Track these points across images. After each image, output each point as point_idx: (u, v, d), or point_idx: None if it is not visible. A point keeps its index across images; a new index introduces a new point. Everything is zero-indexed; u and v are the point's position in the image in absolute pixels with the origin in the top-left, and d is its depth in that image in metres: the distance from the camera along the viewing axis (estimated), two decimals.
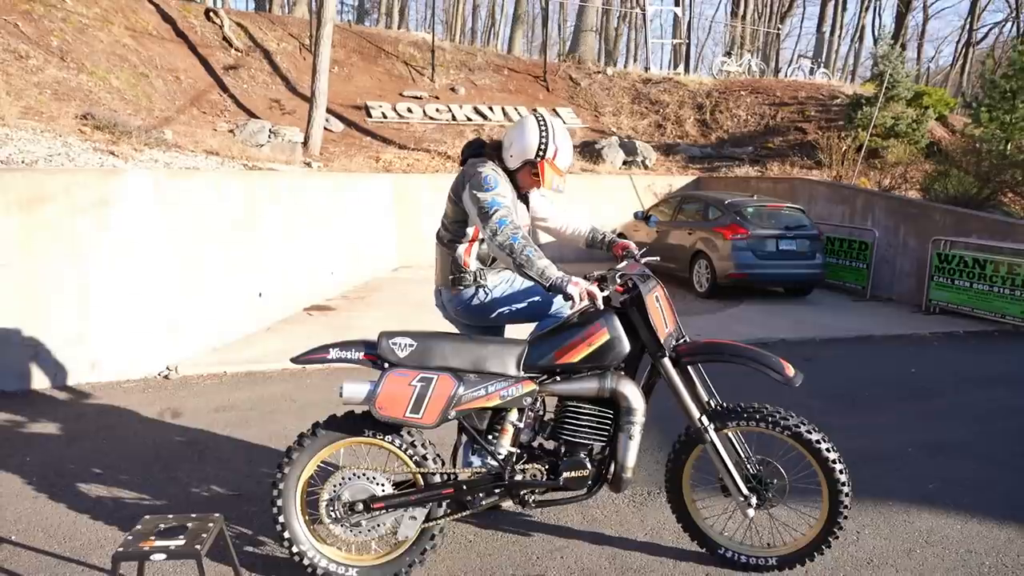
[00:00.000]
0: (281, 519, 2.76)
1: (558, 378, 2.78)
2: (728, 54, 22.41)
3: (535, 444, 2.87)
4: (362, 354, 2.76)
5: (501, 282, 3.19)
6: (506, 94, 18.49)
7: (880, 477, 4.12)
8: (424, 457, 2.76)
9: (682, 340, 2.94)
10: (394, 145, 14.77)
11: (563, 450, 2.81)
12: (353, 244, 10.63)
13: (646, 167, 15.15)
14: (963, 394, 5.94)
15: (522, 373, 2.76)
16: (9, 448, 4.31)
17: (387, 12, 33.71)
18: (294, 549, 2.77)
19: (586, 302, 2.67)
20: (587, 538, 3.29)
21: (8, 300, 5.37)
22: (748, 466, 2.91)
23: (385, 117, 16.14)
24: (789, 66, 22.93)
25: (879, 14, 42.51)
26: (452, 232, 3.17)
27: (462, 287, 3.15)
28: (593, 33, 21.81)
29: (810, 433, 2.77)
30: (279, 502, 2.75)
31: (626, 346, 2.74)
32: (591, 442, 2.78)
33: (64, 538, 3.23)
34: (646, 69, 20.55)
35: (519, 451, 2.84)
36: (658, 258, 3.41)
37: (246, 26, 16.14)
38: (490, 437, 2.83)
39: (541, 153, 3.04)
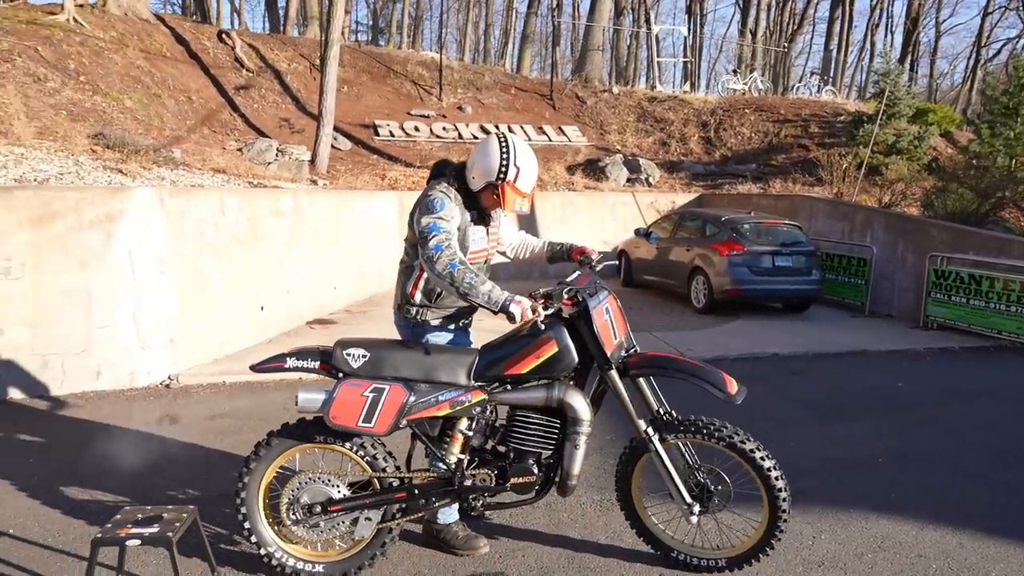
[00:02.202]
0: (247, 524, 2.93)
1: (509, 387, 2.91)
2: (734, 72, 22.62)
3: (488, 447, 3.01)
4: (318, 363, 2.91)
5: (438, 328, 3.17)
6: (513, 112, 18.78)
7: (847, 484, 4.24)
8: (375, 458, 2.91)
9: (632, 350, 3.08)
10: (400, 163, 15.05)
11: (512, 456, 2.94)
12: (357, 259, 10.86)
13: (650, 184, 15.33)
14: (945, 407, 6.03)
15: (472, 383, 2.89)
16: (15, 451, 4.53)
17: (399, 31, 34.29)
18: (262, 551, 2.94)
19: (529, 319, 2.76)
20: (549, 539, 3.44)
21: (19, 311, 5.62)
22: (696, 474, 3.03)
23: (392, 135, 16.45)
24: (800, 82, 23.00)
25: (891, 31, 42.62)
26: (409, 257, 3.17)
27: (407, 316, 3.18)
28: (600, 52, 22.10)
29: (744, 443, 2.91)
30: (243, 509, 2.92)
31: (574, 358, 2.87)
32: (539, 449, 2.92)
33: (57, 532, 3.44)
34: (652, 88, 20.79)
35: (470, 456, 2.98)
36: (617, 262, 3.54)
37: (258, 47, 16.56)
38: (442, 443, 2.95)
39: (502, 175, 2.98)
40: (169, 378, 6.16)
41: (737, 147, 16.97)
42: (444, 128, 17.25)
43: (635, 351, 3.08)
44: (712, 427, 2.94)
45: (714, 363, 7.20)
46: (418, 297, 3.12)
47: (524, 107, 19.13)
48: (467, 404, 2.85)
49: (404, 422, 2.81)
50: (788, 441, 4.97)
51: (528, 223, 13.71)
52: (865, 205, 12.12)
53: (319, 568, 2.96)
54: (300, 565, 2.95)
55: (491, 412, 3.01)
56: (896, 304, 10.40)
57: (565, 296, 2.89)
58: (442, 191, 3.08)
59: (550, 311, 2.84)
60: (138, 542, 2.40)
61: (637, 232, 12.18)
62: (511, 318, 2.73)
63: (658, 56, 23.26)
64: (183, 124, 11.73)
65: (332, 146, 14.67)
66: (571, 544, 3.41)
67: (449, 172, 3.16)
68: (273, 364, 2.95)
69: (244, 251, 7.53)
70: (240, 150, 11.52)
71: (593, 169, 15.65)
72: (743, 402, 6.26)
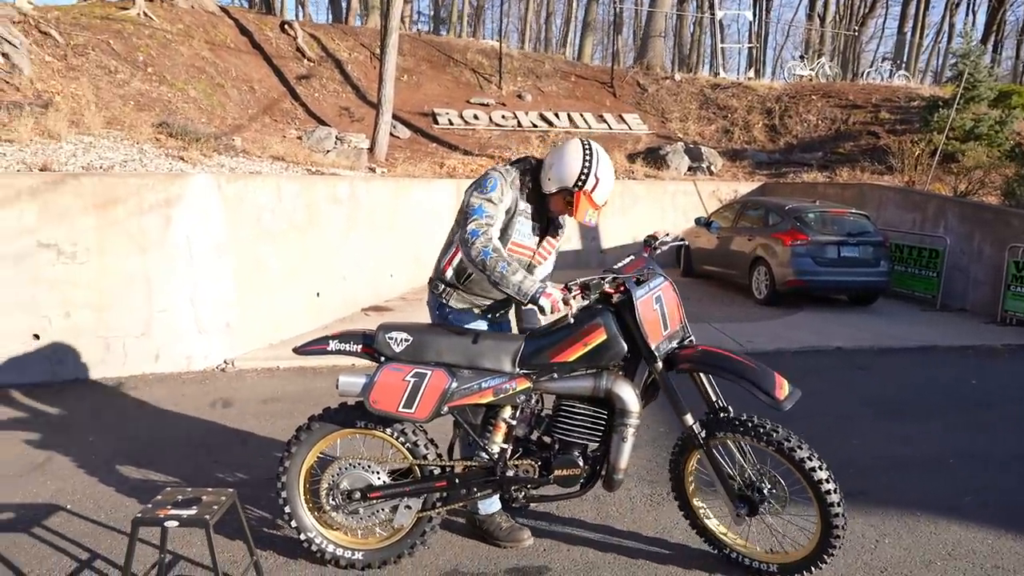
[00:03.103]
0: (287, 509, 2.92)
1: (555, 376, 2.82)
2: (801, 57, 21.81)
3: (532, 438, 2.92)
4: (360, 347, 2.88)
5: (461, 313, 3.09)
6: (573, 100, 18.57)
7: (913, 486, 4.00)
8: (416, 445, 2.86)
9: (687, 341, 2.93)
10: (459, 151, 15.04)
11: (557, 447, 2.84)
12: (414, 247, 10.90)
13: (711, 173, 14.94)
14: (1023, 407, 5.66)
15: (517, 370, 2.80)
16: (79, 430, 4.68)
17: (460, 21, 34.31)
18: (302, 536, 2.93)
19: (559, 313, 2.67)
20: (596, 533, 3.34)
21: (84, 294, 5.80)
22: (748, 475, 2.87)
23: (451, 124, 16.46)
24: (871, 67, 22.05)
25: (972, 11, 40.41)
26: (452, 232, 3.13)
27: (434, 292, 3.13)
28: (662, 39, 21.63)
29: (796, 450, 2.71)
30: (283, 494, 2.91)
31: (623, 347, 2.75)
32: (585, 441, 2.82)
33: (110, 509, 3.51)
34: (715, 74, 20.25)
35: (514, 446, 2.90)
36: (684, 240, 3.38)
37: (319, 37, 16.77)
38: (485, 432, 2.88)
39: (581, 183, 2.87)
40: (225, 362, 6.28)
41: (803, 135, 16.37)
42: (503, 116, 17.17)
43: (690, 342, 2.93)
44: (762, 429, 2.75)
45: (775, 356, 7.13)
46: (449, 274, 3.06)
47: (584, 95, 18.89)
48: (511, 392, 2.76)
49: (446, 409, 2.75)
50: (851, 438, 4.74)
51: None
52: (938, 194, 11.52)
53: (358, 555, 2.93)
54: (339, 552, 2.93)
55: (537, 401, 2.92)
56: (970, 298, 9.86)
57: (607, 285, 2.76)
58: (500, 172, 3.02)
59: (586, 302, 2.74)
60: (176, 523, 2.40)
61: (698, 221, 11.86)
62: (541, 310, 2.65)
63: (721, 42, 22.62)
64: (245, 113, 11.97)
65: (391, 134, 14.76)
66: (618, 538, 3.30)
67: (524, 164, 3.07)
68: (316, 347, 2.93)
69: (300, 237, 7.62)
70: (300, 138, 11.68)
71: (654, 158, 15.35)
72: (804, 397, 6.03)
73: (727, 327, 8.37)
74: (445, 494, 2.88)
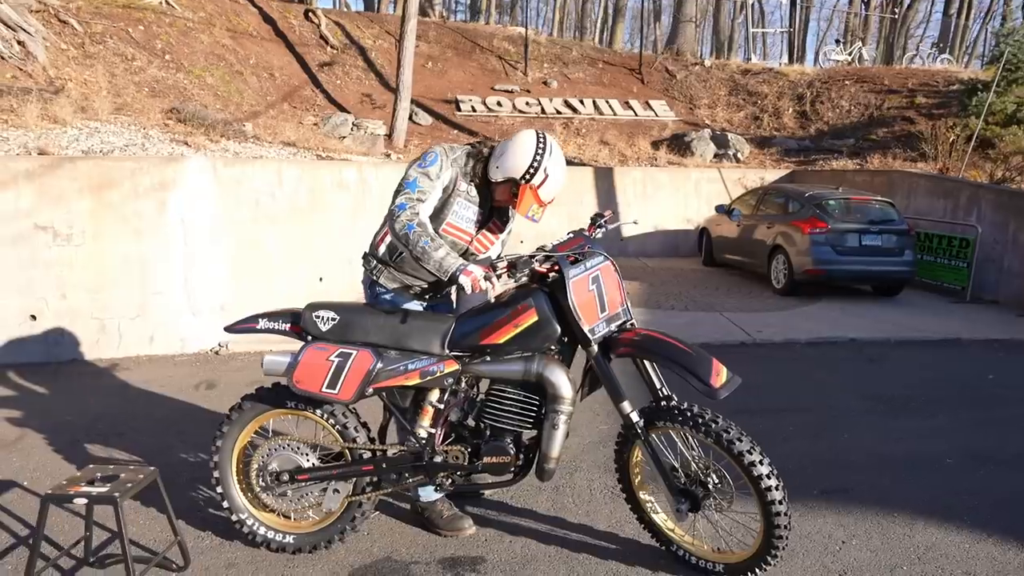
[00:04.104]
0: (219, 489, 2.86)
1: (488, 358, 2.70)
2: (837, 42, 21.09)
3: (466, 423, 2.80)
4: (288, 325, 2.81)
5: (389, 293, 2.99)
6: (599, 87, 18.29)
7: (899, 485, 3.78)
8: (345, 427, 2.77)
9: (628, 324, 2.77)
10: (480, 138, 14.93)
11: (488, 434, 2.73)
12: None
13: (738, 160, 14.57)
14: None
15: (447, 352, 2.69)
16: (57, 409, 4.72)
17: (496, 9, 34.12)
18: (234, 517, 2.87)
19: (481, 288, 2.56)
20: (545, 524, 3.22)
21: (80, 276, 5.87)
22: (694, 468, 2.68)
23: (474, 111, 16.35)
24: (914, 51, 21.21)
25: None
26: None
27: (366, 268, 3.04)
28: (693, 24, 21.15)
29: (734, 442, 2.52)
30: (216, 473, 2.86)
31: (556, 329, 2.62)
32: (516, 428, 2.69)
33: None
34: (747, 60, 19.73)
35: (447, 431, 2.79)
36: (635, 222, 3.23)
37: (344, 24, 16.80)
38: (415, 416, 2.78)
39: (528, 176, 2.76)
40: (219, 344, 6.30)
41: (834, 121, 15.84)
42: (527, 103, 17.00)
43: (631, 326, 2.77)
44: (701, 419, 2.58)
45: (783, 347, 6.89)
46: (382, 250, 2.97)
47: (611, 82, 18.60)
48: (438, 375, 2.65)
49: (371, 390, 2.66)
50: (841, 432, 4.52)
51: (607, 200, 13.33)
52: (972, 181, 11.02)
53: (289, 539, 2.87)
54: (271, 534, 2.87)
55: (472, 385, 2.81)
56: (1003, 289, 9.40)
57: (536, 264, 2.62)
58: (444, 148, 2.93)
59: (511, 281, 2.61)
60: (85, 500, 2.37)
61: (718, 209, 11.76)
62: (461, 289, 2.53)
63: (755, 27, 22.00)
64: (263, 100, 12.04)
65: (412, 121, 14.71)
66: (566, 531, 3.17)
67: (478, 147, 2.96)
68: (246, 325, 2.88)
69: (303, 221, 7.60)
70: (316, 125, 11.70)
71: (678, 144, 15.03)
72: (800, 389, 5.79)
73: (737, 316, 8.14)
74: (375, 479, 2.79)
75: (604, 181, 13.37)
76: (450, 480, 2.76)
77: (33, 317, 5.81)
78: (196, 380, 5.44)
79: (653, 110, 17.06)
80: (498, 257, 2.59)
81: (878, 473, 3.91)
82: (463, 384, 2.75)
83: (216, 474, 2.86)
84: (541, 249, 2.70)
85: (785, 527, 2.54)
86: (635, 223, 3.22)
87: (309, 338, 2.76)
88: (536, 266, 2.63)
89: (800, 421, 4.76)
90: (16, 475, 3.67)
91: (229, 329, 2.92)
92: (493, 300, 2.64)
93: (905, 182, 11.28)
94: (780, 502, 2.51)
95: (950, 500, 3.61)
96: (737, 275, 11.10)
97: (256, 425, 2.88)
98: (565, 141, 15.35)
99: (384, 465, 2.75)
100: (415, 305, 2.95)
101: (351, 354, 2.65)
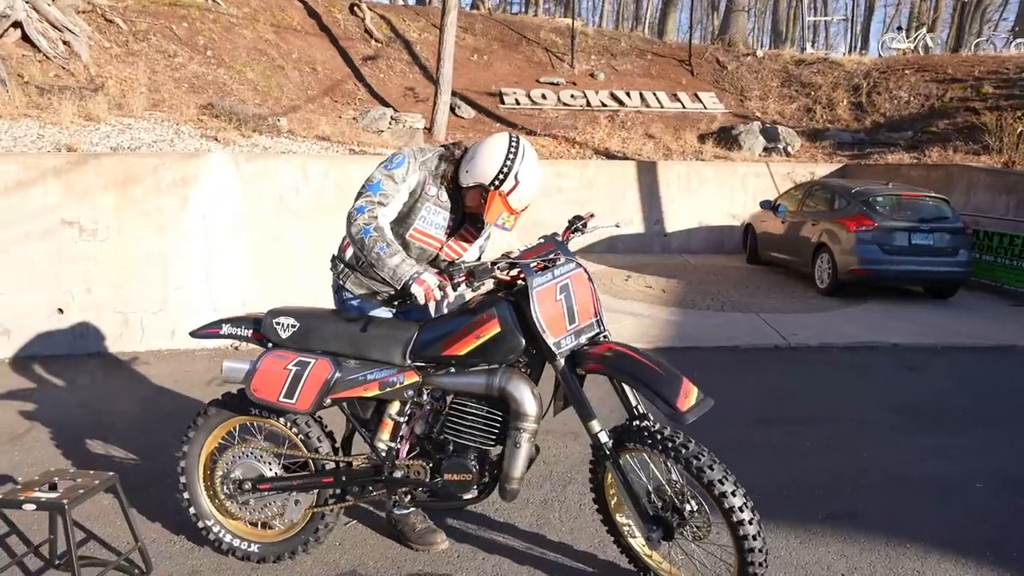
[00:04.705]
0: (186, 495, 2.82)
1: (452, 369, 2.57)
2: (899, 29, 20.10)
3: (434, 438, 2.67)
4: (251, 331, 2.74)
5: (362, 299, 2.88)
6: (647, 79, 17.91)
7: (917, 511, 3.49)
8: (308, 437, 2.69)
9: (602, 337, 2.59)
10: (523, 131, 14.78)
11: (451, 449, 2.60)
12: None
13: (788, 154, 14.05)
14: None
15: (408, 362, 2.58)
16: (69, 402, 4.81)
17: (548, 1, 33.80)
18: (200, 524, 2.83)
19: (435, 298, 2.43)
20: (523, 541, 3.08)
21: (104, 270, 5.98)
22: (669, 494, 2.49)
23: (518, 103, 16.21)
24: (983, 37, 20.08)
25: None
26: None
27: (333, 272, 2.94)
28: (746, 14, 20.49)
29: (705, 471, 2.32)
30: (182, 479, 2.82)
31: (519, 342, 2.46)
32: (478, 444, 2.55)
33: None
34: (802, 49, 19.02)
35: (412, 445, 2.68)
36: (618, 225, 3.05)
37: (389, 18, 16.85)
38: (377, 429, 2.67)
39: (497, 182, 2.62)
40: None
41: (891, 112, 15.11)
42: (572, 96, 16.77)
43: (605, 338, 2.60)
44: (671, 443, 2.38)
45: (817, 352, 6.57)
46: (348, 254, 2.86)
47: (660, 73, 18.19)
48: (398, 386, 2.54)
49: (329, 400, 2.57)
50: (859, 449, 4.24)
51: (650, 194, 13.05)
52: None
53: (254, 548, 2.81)
54: (236, 542, 2.82)
55: (439, 397, 2.67)
56: None
57: (498, 271, 2.47)
58: (413, 151, 2.81)
59: (470, 290, 2.46)
60: (33, 507, 2.34)
61: (763, 205, 11.34)
62: (413, 299, 2.40)
63: (815, 15, 21.17)
64: (303, 94, 12.15)
65: (454, 114, 14.67)
66: (543, 549, 3.02)
67: (451, 149, 2.83)
68: (210, 330, 2.83)
69: (328, 216, 7.56)
70: (355, 119, 11.75)
71: (726, 138, 14.58)
72: (827, 398, 5.48)
73: (774, 318, 7.81)
74: (338, 490, 2.70)
75: (646, 176, 13.07)
76: (409, 496, 2.64)
77: (60, 310, 5.94)
78: (211, 376, 5.47)
79: (702, 102, 16.61)
80: (455, 264, 2.44)
81: (893, 496, 3.64)
82: (425, 396, 2.62)
83: (183, 479, 2.83)
84: (506, 255, 2.55)
85: (760, 564, 2.34)
86: (617, 226, 3.01)
87: (270, 345, 2.68)
88: (498, 274, 2.48)
89: (819, 434, 4.49)
90: (13, 470, 3.73)
91: (193, 334, 2.88)
92: (456, 308, 2.51)
93: (965, 177, 10.68)
94: (754, 536, 2.31)
95: (973, 531, 3.31)
96: (781, 274, 10.71)
97: (223, 431, 2.83)
98: (609, 134, 15.08)
99: (344, 477, 2.66)
100: (383, 312, 2.84)
101: (309, 363, 2.57)
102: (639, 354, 2.43)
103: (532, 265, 2.47)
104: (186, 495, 2.83)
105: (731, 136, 14.46)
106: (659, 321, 7.66)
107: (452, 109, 14.62)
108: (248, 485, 2.72)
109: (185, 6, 11.54)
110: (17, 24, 8.27)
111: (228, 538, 2.82)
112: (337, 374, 2.55)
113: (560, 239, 2.70)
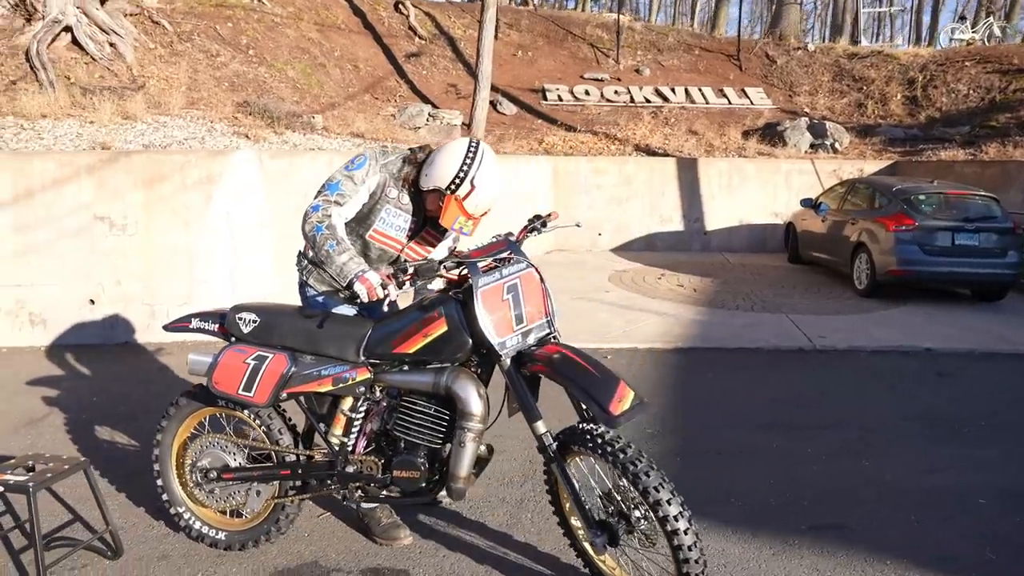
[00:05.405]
0: (159, 482, 2.92)
1: (406, 367, 2.59)
2: (963, 19, 19.19)
3: (388, 434, 2.70)
4: (217, 326, 2.82)
5: (326, 296, 2.91)
6: (694, 75, 17.60)
7: (908, 524, 3.35)
8: (270, 429, 2.76)
9: (551, 338, 2.57)
10: (563, 128, 14.71)
11: (403, 446, 2.62)
12: (489, 226, 10.79)
13: (835, 151, 13.62)
14: None
15: (361, 359, 2.61)
16: (88, 390, 5.02)
17: None
18: (172, 510, 2.93)
19: (378, 297, 2.46)
20: (488, 540, 3.08)
21: (133, 264, 6.22)
22: (618, 500, 2.44)
23: (560, 100, 16.12)
24: None
25: None
26: None
27: (297, 267, 3.00)
28: (798, 6, 19.87)
29: (640, 476, 2.26)
30: (156, 466, 2.92)
31: (466, 341, 2.46)
32: (426, 442, 2.57)
33: None
34: (855, 43, 18.37)
35: (368, 440, 2.71)
36: (578, 224, 3.02)
37: (434, 15, 16.98)
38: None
39: (453, 187, 2.65)
40: None
41: (948, 107, 14.46)
42: (616, 92, 16.60)
43: (553, 339, 2.58)
44: (610, 447, 2.34)
45: (844, 355, 6.36)
46: (311, 252, 2.90)
47: (707, 68, 17.85)
48: (350, 382, 2.58)
49: (284, 395, 2.62)
50: (863, 458, 4.09)
51: (690, 191, 12.85)
52: None
53: (221, 536, 2.89)
54: (205, 529, 2.91)
55: (394, 395, 2.69)
56: None
57: (443, 269, 2.47)
58: (376, 153, 2.86)
59: (412, 288, 2.48)
60: (1, 488, 2.46)
61: (804, 203, 11.03)
62: (357, 297, 2.44)
63: (873, 6, 20.41)
64: (344, 92, 12.35)
65: (496, 110, 14.69)
66: (506, 550, 3.01)
67: (416, 153, 2.87)
68: (180, 324, 2.93)
69: None
70: (393, 115, 11.89)
71: (771, 134, 14.23)
72: (842, 404, 5.31)
73: (804, 319, 7.60)
74: (297, 482, 2.76)
75: (687, 173, 12.87)
76: (359, 491, 2.67)
77: (92, 302, 6.21)
78: None
79: (748, 98, 16.24)
80: (400, 263, 2.46)
81: (886, 509, 3.49)
82: (379, 393, 2.66)
83: (156, 467, 2.93)
84: (455, 254, 2.57)
85: (698, 574, 2.29)
86: (578, 225, 2.97)
87: (233, 339, 2.76)
88: (444, 273, 2.49)
89: (825, 441, 4.35)
90: (22, 452, 3.91)
91: (166, 327, 2.98)
92: (410, 306, 2.53)
93: (1021, 174, 10.16)
94: (690, 547, 2.26)
95: (965, 548, 3.15)
96: (821, 274, 10.41)
97: (194, 421, 2.92)
98: (652, 131, 14.89)
99: (301, 470, 2.71)
100: (345, 309, 2.89)
101: (267, 357, 2.63)
102: (579, 356, 2.41)
103: (480, 265, 2.47)
104: (160, 482, 2.93)
105: (776, 132, 14.11)
106: (684, 320, 7.54)
107: (494, 105, 14.66)
108: (213, 474, 2.80)
109: (231, 7, 11.87)
110: (68, 28, 8.65)
111: (198, 525, 2.91)
112: (293, 369, 2.61)
113: (514, 239, 2.70)
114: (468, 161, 2.65)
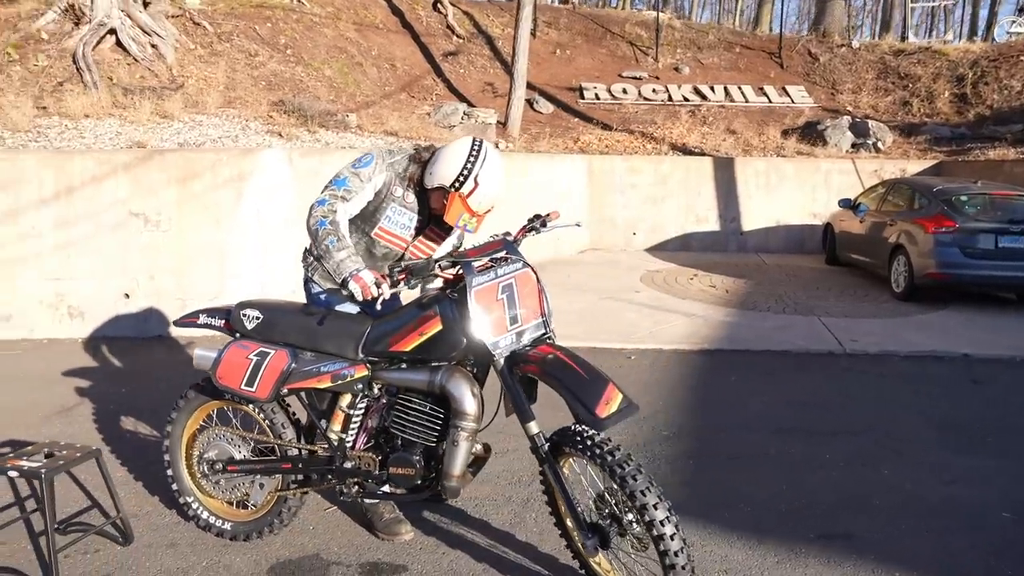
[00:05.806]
0: (170, 472, 3.01)
1: (404, 365, 2.62)
2: (1021, 11, 18.48)
3: (387, 431, 2.73)
4: (223, 322, 2.89)
5: (329, 293, 2.96)
6: (734, 73, 17.34)
7: (921, 536, 3.25)
8: (274, 423, 2.81)
9: (546, 338, 2.57)
10: (599, 127, 14.63)
11: (399, 443, 2.65)
12: (517, 224, 10.78)
13: (878, 150, 13.28)
14: None
15: (360, 356, 2.64)
16: (119, 381, 5.18)
17: None
18: (181, 500, 3.01)
19: (371, 296, 2.48)
20: (490, 539, 3.09)
21: (166, 260, 6.39)
22: (610, 502, 2.43)
23: (598, 98, 16.04)
24: None
25: None
26: None
27: (303, 264, 3.05)
28: (843, 2, 19.38)
29: (627, 479, 2.25)
30: (166, 457, 3.00)
31: (461, 340, 2.47)
32: (421, 440, 2.59)
33: None
34: (902, 38, 17.87)
35: (368, 437, 2.75)
36: (578, 224, 3.01)
37: (473, 14, 17.05)
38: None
39: (457, 184, 2.70)
40: None
41: (1000, 104, 13.97)
42: (654, 90, 16.45)
43: (549, 340, 2.58)
44: (599, 450, 2.33)
45: (876, 360, 6.21)
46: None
47: (748, 67, 17.57)
48: (349, 379, 2.62)
49: (285, 390, 2.68)
50: (882, 466, 3.99)
51: (727, 191, 12.68)
52: None
53: (227, 526, 2.97)
54: (212, 519, 2.98)
55: (394, 393, 2.73)
56: None
57: (439, 270, 2.49)
58: (383, 152, 2.91)
59: (407, 287, 2.50)
60: (16, 473, 2.57)
61: (842, 203, 10.79)
62: (352, 296, 2.47)
63: (912, 2, 19.80)
64: (380, 91, 12.49)
65: (532, 109, 14.69)
66: (506, 549, 3.02)
67: (421, 152, 2.91)
68: (189, 319, 3.01)
69: None
70: (429, 114, 11.98)
71: (811, 133, 13.95)
72: (867, 410, 5.20)
73: (837, 322, 7.44)
74: (299, 476, 2.82)
75: (723, 172, 12.70)
76: (356, 487, 2.71)
77: (127, 296, 6.40)
78: None
79: (789, 96, 15.94)
80: (397, 262, 2.49)
81: (901, 520, 3.40)
82: (376, 390, 2.69)
83: (167, 457, 3.01)
84: (450, 254, 2.59)
85: None
86: (578, 225, 2.94)
87: (237, 335, 2.82)
88: (439, 272, 2.51)
89: (843, 448, 4.26)
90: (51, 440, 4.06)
91: (176, 322, 3.07)
92: (409, 304, 2.56)
93: None
94: (676, 553, 2.24)
95: (980, 565, 3.04)
96: (859, 276, 10.18)
97: (203, 414, 3.00)
98: (689, 130, 14.72)
99: (302, 464, 2.76)
100: (349, 307, 2.93)
101: (269, 353, 2.69)
102: (570, 357, 2.40)
103: (475, 264, 2.48)
104: (170, 472, 3.02)
105: (817, 131, 13.82)
106: (712, 322, 7.45)
107: (530, 104, 14.66)
108: (219, 466, 2.88)
109: (271, 7, 12.10)
110: (112, 31, 8.93)
111: (205, 515, 2.98)
112: (293, 365, 2.66)
113: (512, 238, 2.71)
114: (472, 159, 2.69)
